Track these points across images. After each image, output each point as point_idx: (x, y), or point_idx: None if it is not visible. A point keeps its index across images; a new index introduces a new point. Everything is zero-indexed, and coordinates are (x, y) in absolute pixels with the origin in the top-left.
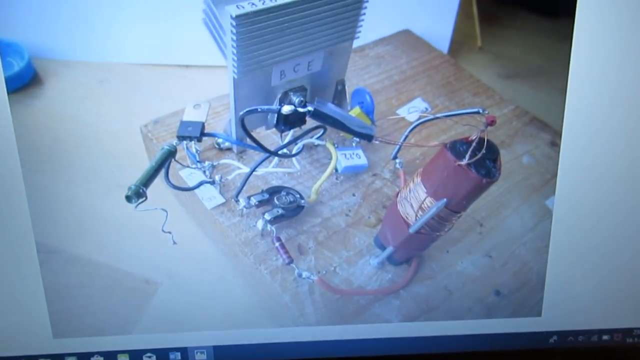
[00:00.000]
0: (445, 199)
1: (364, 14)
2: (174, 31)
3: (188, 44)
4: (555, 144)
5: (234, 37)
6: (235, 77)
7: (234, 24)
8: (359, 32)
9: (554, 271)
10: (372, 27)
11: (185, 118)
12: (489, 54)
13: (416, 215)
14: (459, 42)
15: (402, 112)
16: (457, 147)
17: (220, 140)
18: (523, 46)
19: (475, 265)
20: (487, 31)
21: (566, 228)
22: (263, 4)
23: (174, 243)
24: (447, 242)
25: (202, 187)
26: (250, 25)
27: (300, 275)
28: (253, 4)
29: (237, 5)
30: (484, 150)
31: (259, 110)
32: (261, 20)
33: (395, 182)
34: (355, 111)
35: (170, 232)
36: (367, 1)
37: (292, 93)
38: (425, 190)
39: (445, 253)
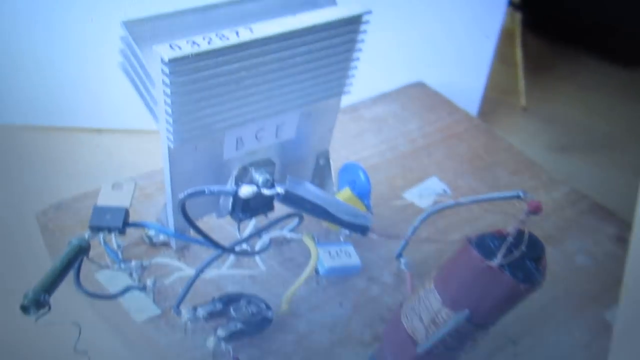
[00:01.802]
0: (467, 311)
1: (358, 59)
2: (80, 82)
3: (101, 100)
4: (621, 239)
5: (168, 90)
6: (172, 146)
7: (167, 71)
8: (350, 84)
9: None
10: (370, 77)
11: (101, 202)
12: (537, 117)
13: (427, 331)
14: (495, 100)
15: (411, 195)
16: (486, 243)
17: (152, 233)
18: (584, 107)
19: None
20: (536, 85)
21: (632, 347)
22: (209, 43)
23: None
24: None
25: (128, 295)
26: (190, 74)
27: None
28: (194, 42)
29: (170, 45)
30: (523, 248)
31: (207, 192)
32: (207, 66)
33: (399, 288)
34: (345, 194)
35: (85, 352)
36: (362, 41)
37: (253, 169)
38: (440, 299)
39: None
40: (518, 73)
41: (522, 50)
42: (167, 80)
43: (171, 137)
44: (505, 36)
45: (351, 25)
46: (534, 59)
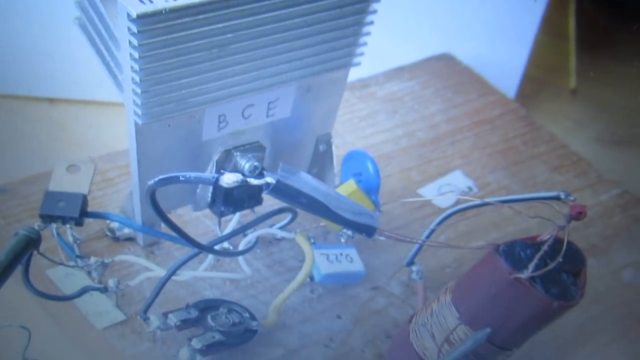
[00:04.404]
0: (488, 329)
1: (372, 23)
2: (28, 40)
3: (53, 63)
4: None
5: (135, 54)
6: (139, 122)
7: (135, 29)
8: (361, 54)
9: None
10: (386, 47)
11: (54, 186)
12: (588, 103)
13: (440, 351)
14: (538, 80)
15: (429, 191)
16: (516, 252)
17: (115, 225)
18: None
19: None
20: (590, 64)
21: None
22: None
23: None
24: None
25: (86, 297)
26: (164, 34)
27: None
28: None
29: None
30: (560, 259)
31: (182, 179)
32: (184, 25)
33: (409, 300)
34: (349, 188)
35: None
36: (377, 1)
37: (239, 153)
38: (457, 315)
39: None
40: (569, 48)
41: (577, 19)
42: (135, 42)
43: (139, 111)
44: (557, 1)
45: None
46: (590, 31)
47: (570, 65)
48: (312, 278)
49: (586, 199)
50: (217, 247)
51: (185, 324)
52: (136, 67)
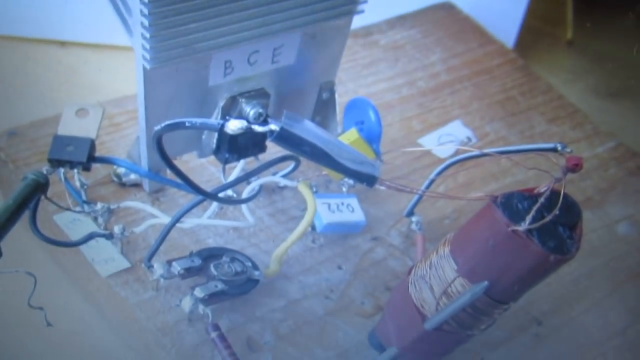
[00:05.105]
0: (486, 282)
1: None
2: None
3: (65, 6)
4: None
5: None
6: (148, 66)
7: None
8: (365, 2)
9: None
10: None
11: (63, 130)
12: (584, 54)
13: (438, 304)
14: (535, 31)
15: (429, 141)
16: (513, 204)
17: (121, 171)
18: None
19: None
20: (587, 14)
21: None
22: None
23: (48, 324)
24: (483, 346)
25: (92, 243)
26: None
27: None
28: None
29: None
30: (556, 211)
31: (188, 124)
32: None
33: (408, 251)
34: (351, 136)
35: (41, 308)
36: None
37: (244, 100)
38: (455, 267)
39: None
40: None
41: None
42: None
43: (147, 55)
44: None
45: None
46: None
47: (567, 17)
48: (313, 227)
49: (582, 151)
50: (221, 195)
51: (188, 272)
52: (145, 11)
